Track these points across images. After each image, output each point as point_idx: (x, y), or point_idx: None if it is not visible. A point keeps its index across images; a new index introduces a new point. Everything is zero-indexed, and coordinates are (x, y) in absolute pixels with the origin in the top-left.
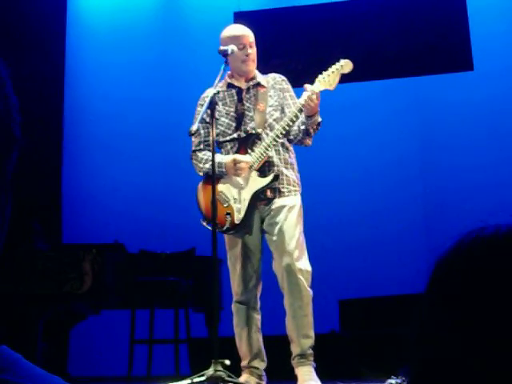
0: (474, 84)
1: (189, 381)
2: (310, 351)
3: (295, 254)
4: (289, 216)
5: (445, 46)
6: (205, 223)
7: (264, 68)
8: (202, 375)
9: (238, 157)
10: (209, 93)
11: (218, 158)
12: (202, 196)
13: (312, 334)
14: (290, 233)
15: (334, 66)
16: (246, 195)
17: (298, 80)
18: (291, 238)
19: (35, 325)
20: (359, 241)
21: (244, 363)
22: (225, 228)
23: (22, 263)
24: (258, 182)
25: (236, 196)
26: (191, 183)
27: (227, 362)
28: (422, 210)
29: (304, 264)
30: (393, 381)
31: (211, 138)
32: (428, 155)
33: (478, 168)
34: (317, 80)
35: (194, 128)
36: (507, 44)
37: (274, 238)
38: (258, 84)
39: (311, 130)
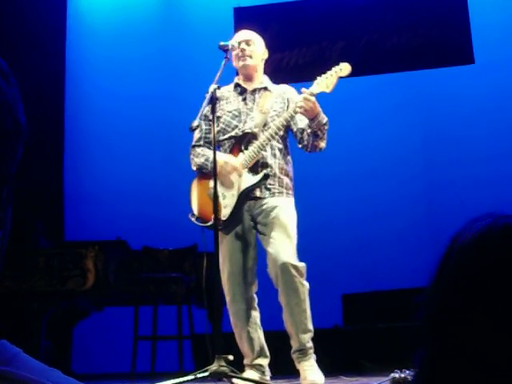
0: (476, 77)
1: (192, 376)
2: (310, 344)
3: (288, 252)
4: (281, 215)
5: (446, 39)
6: (193, 219)
7: (264, 62)
8: (206, 371)
9: (229, 160)
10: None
11: (212, 155)
12: (195, 191)
13: (311, 326)
14: (283, 231)
15: (333, 69)
16: (235, 192)
17: (299, 75)
18: (284, 237)
19: (38, 322)
20: (362, 236)
21: (247, 361)
22: (209, 223)
23: (25, 261)
24: (247, 180)
25: (225, 192)
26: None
27: (230, 357)
28: (425, 204)
29: (297, 261)
30: (396, 375)
31: (212, 135)
32: (430, 148)
33: (480, 161)
34: (315, 82)
35: (194, 123)
36: (508, 37)
37: (267, 237)
38: (265, 89)
39: (319, 132)
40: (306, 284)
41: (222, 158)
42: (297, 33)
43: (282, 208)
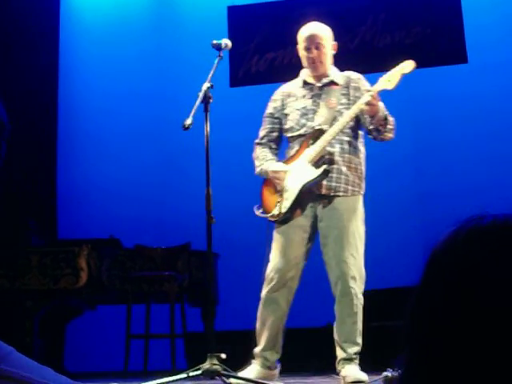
0: (469, 76)
1: (185, 375)
2: (356, 356)
3: (350, 261)
4: (348, 222)
5: (439, 38)
6: (258, 212)
7: (258, 61)
8: (198, 369)
9: (279, 169)
10: (284, 88)
11: (266, 165)
12: (264, 188)
13: (359, 340)
14: (346, 240)
15: (397, 67)
16: (297, 185)
17: (293, 74)
18: (347, 246)
19: (31, 320)
20: None
21: (257, 350)
22: (270, 215)
23: (18, 259)
24: (308, 175)
25: (289, 185)
26: (185, 178)
27: (223, 355)
28: (417, 204)
29: (358, 271)
30: (388, 373)
31: (206, 133)
32: (421, 147)
33: (472, 160)
34: (380, 80)
35: (187, 122)
36: (501, 36)
37: (329, 243)
38: (332, 82)
39: (380, 128)
40: (361, 298)
41: (272, 167)
42: (290, 31)
43: (349, 212)
